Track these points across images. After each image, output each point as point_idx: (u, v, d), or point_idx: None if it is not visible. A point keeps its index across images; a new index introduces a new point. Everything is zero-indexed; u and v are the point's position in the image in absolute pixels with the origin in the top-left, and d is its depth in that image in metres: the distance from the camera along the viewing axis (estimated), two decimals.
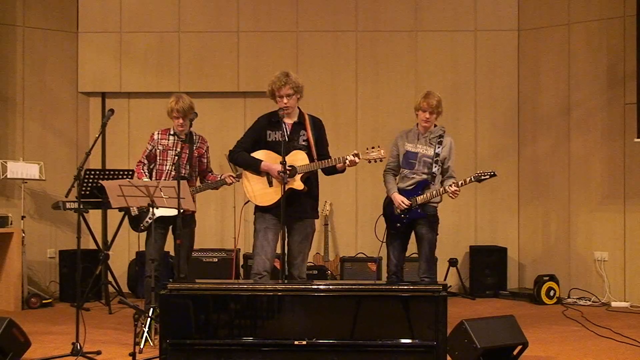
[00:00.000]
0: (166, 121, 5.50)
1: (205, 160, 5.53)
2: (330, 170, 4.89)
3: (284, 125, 4.85)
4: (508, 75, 7.47)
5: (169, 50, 7.54)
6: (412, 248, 5.40)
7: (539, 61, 7.35)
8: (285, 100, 4.78)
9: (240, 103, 7.52)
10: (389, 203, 5.29)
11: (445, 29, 7.50)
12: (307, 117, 4.92)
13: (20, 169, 6.80)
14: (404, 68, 7.51)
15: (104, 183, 4.92)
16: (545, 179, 7.32)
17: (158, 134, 5.44)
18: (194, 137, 5.41)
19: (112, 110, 5.16)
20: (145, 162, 5.44)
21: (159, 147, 5.39)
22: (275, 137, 4.85)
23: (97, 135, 5.11)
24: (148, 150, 5.43)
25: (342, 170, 4.89)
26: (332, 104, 7.54)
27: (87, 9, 7.54)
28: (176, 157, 5.19)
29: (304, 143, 4.85)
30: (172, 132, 5.41)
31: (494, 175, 5.07)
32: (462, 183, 5.05)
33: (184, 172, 5.28)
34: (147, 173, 5.39)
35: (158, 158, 5.39)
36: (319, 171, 4.91)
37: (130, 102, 7.61)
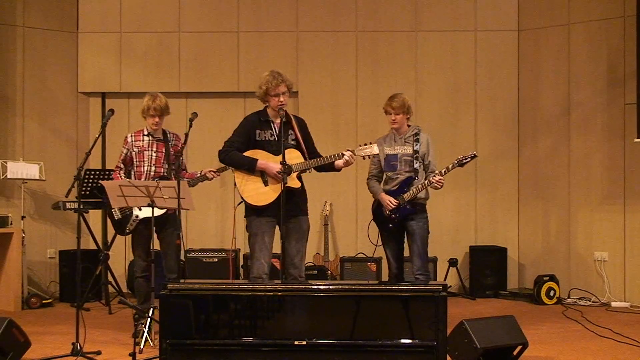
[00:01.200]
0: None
1: (182, 158, 5.51)
2: (325, 168, 4.93)
3: (272, 125, 4.87)
4: (508, 76, 7.47)
5: (169, 50, 7.54)
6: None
7: (539, 61, 7.35)
8: (282, 98, 4.79)
9: (240, 103, 7.52)
10: (377, 206, 5.34)
11: (445, 29, 7.50)
12: (292, 116, 4.94)
13: (20, 169, 6.80)
14: (404, 68, 7.51)
15: (104, 183, 4.93)
16: (545, 179, 7.31)
17: (131, 136, 5.39)
18: (169, 135, 5.41)
19: (112, 110, 5.16)
20: (122, 166, 5.39)
21: (134, 149, 5.34)
22: (265, 137, 4.87)
23: (97, 135, 5.12)
24: (124, 154, 5.38)
25: (339, 170, 4.93)
26: (332, 104, 7.55)
27: (87, 9, 7.54)
28: (174, 157, 5.19)
29: (293, 142, 4.88)
30: (145, 133, 5.37)
31: (475, 156, 5.10)
32: (444, 171, 5.09)
33: (162, 171, 5.29)
34: (123, 177, 5.35)
35: (135, 160, 5.34)
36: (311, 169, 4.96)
37: (130, 102, 7.60)
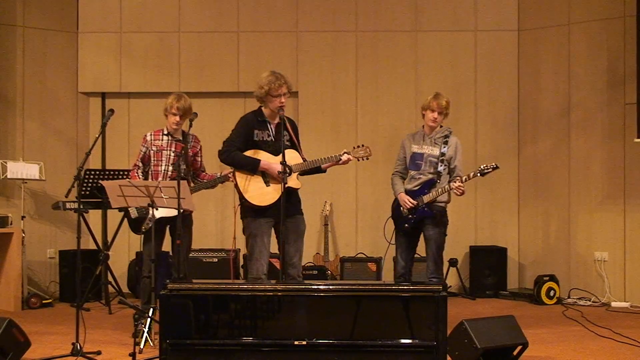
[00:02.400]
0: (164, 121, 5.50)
1: (200, 159, 5.52)
2: (311, 170, 4.94)
3: (269, 125, 4.88)
4: (508, 75, 7.46)
5: (169, 50, 7.54)
6: (421, 250, 5.41)
7: (539, 61, 7.35)
8: (283, 99, 4.80)
9: (240, 103, 7.51)
10: (397, 205, 5.30)
11: (445, 29, 7.50)
12: (284, 117, 4.94)
13: (20, 169, 6.79)
14: (404, 68, 7.51)
15: (104, 183, 4.92)
16: (545, 179, 7.31)
17: (151, 135, 5.41)
18: (188, 136, 5.42)
19: (112, 110, 5.16)
20: (140, 165, 5.40)
21: (153, 148, 5.36)
22: (262, 137, 4.89)
23: (97, 135, 5.11)
24: (142, 153, 5.40)
25: (324, 170, 4.98)
26: (332, 104, 7.54)
27: (87, 9, 7.54)
28: (177, 157, 5.19)
29: (288, 143, 4.89)
30: (165, 132, 5.39)
31: (497, 167, 5.09)
32: (465, 178, 5.06)
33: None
34: (141, 176, 5.36)
35: (152, 159, 5.36)
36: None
37: (130, 102, 7.61)
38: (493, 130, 7.51)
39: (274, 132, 4.88)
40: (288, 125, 4.91)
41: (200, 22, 7.56)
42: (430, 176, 5.18)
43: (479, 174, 5.07)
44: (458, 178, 5.08)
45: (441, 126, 5.29)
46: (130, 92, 7.60)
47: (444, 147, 5.18)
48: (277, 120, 4.88)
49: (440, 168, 5.16)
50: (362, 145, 4.94)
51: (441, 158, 5.17)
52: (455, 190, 5.06)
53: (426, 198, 5.12)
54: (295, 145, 4.92)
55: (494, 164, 5.09)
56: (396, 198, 5.31)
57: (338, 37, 7.56)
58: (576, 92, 7.14)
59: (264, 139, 4.88)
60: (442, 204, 5.22)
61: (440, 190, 5.11)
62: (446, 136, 5.22)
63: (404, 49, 7.52)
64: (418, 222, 5.19)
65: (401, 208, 5.23)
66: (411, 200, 5.16)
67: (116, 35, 7.54)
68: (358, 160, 4.97)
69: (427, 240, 5.21)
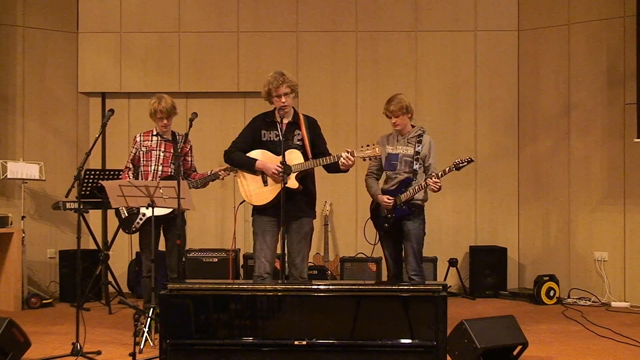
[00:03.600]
0: None
1: (190, 159, 5.53)
2: (332, 168, 4.89)
3: (278, 125, 4.87)
4: (508, 75, 7.47)
5: (169, 50, 7.54)
6: None
7: (539, 61, 7.35)
8: (283, 99, 4.79)
9: (240, 103, 7.52)
10: (375, 206, 5.34)
11: (445, 29, 7.50)
12: (301, 116, 4.94)
13: (20, 169, 6.80)
14: (404, 68, 7.51)
15: (104, 183, 4.93)
16: (545, 179, 7.32)
17: (140, 136, 5.44)
18: (177, 136, 5.43)
19: (112, 110, 5.17)
20: (131, 166, 5.43)
21: (142, 149, 5.39)
22: (270, 137, 4.88)
23: (97, 135, 5.12)
24: (132, 154, 5.43)
25: (345, 170, 4.86)
26: (332, 104, 7.54)
27: (87, 9, 7.54)
28: (176, 157, 5.20)
29: (298, 142, 4.87)
30: (154, 133, 5.42)
31: (472, 161, 5.09)
32: (441, 174, 5.08)
33: (169, 170, 5.30)
34: (131, 178, 5.36)
35: (142, 159, 5.39)
36: (321, 169, 4.92)
37: (130, 102, 7.61)
38: (493, 130, 7.51)
39: (283, 132, 4.85)
40: (302, 123, 4.89)
41: (200, 22, 7.56)
42: (406, 175, 5.20)
43: (454, 169, 5.08)
44: (434, 174, 5.10)
45: (413, 126, 5.32)
46: (130, 92, 7.60)
47: (418, 145, 5.21)
48: (288, 119, 4.86)
49: (415, 166, 5.19)
50: (372, 144, 4.77)
51: (416, 157, 5.19)
52: (432, 186, 5.06)
53: (404, 196, 5.14)
54: (304, 146, 4.87)
55: (468, 157, 5.09)
56: (373, 200, 5.33)
57: (338, 37, 7.56)
58: (576, 92, 7.14)
59: (271, 139, 4.88)
60: (419, 202, 5.23)
61: (417, 187, 5.13)
62: (419, 135, 5.25)
63: (403, 49, 7.52)
64: (397, 220, 5.20)
65: (380, 208, 5.25)
66: (390, 197, 5.18)
67: (116, 35, 7.54)
68: (364, 159, 4.83)
69: (406, 235, 5.20)
